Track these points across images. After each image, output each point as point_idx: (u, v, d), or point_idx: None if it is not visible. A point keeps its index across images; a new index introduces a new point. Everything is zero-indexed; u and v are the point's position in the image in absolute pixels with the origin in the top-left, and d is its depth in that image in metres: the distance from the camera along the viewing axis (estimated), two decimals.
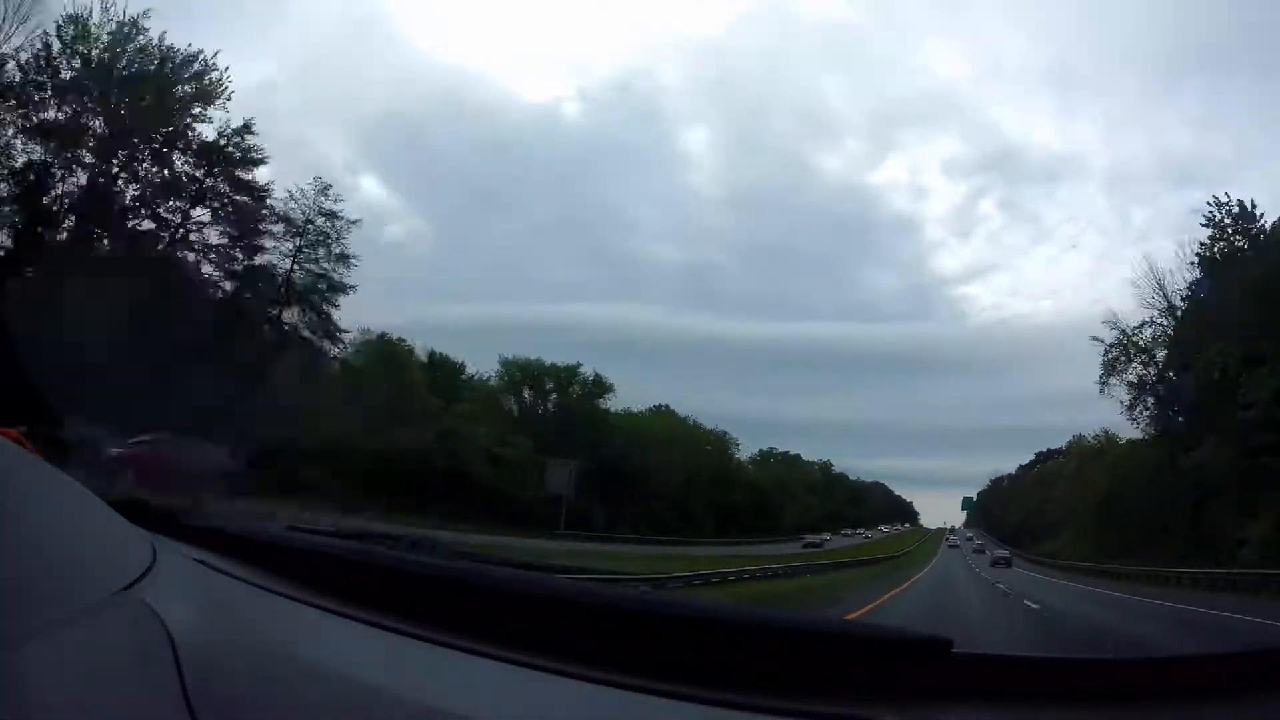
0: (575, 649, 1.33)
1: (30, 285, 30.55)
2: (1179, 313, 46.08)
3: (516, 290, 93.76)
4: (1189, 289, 45.62)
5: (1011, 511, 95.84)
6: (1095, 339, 48.75)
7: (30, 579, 1.09)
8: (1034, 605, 20.86)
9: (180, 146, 37.16)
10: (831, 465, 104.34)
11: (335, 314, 43.36)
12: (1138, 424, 49.33)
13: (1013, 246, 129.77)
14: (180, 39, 36.43)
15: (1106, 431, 59.14)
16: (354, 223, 43.35)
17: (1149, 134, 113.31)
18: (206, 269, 38.74)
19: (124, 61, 35.58)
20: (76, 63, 34.68)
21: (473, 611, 1.48)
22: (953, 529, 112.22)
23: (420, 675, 1.29)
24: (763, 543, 57.82)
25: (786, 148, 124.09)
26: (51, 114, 33.85)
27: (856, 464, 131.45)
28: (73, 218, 34.52)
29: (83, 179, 34.52)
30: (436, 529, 23.63)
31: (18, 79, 32.96)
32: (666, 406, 67.21)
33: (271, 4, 77.43)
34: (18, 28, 32.30)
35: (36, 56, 33.26)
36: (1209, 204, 45.55)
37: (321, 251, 42.09)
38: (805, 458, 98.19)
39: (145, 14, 35.22)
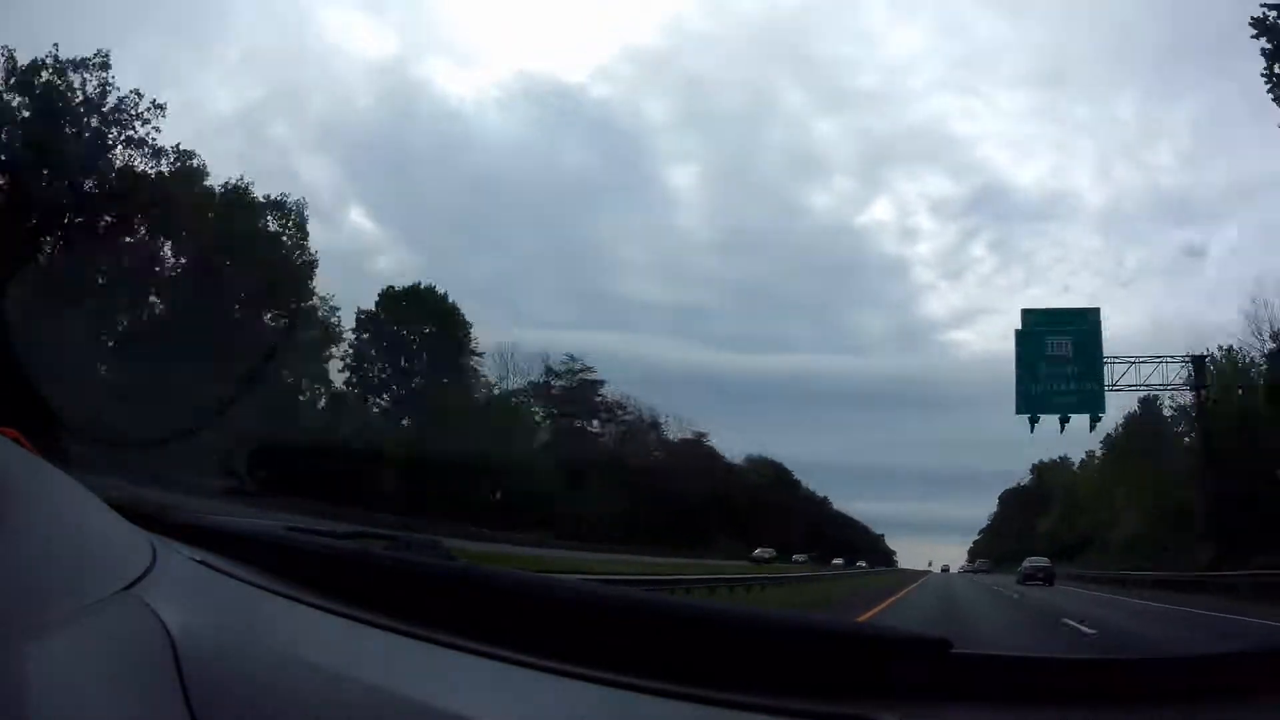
0: (575, 648, 1.33)
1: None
2: None
3: (504, 321, 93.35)
4: None
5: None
6: None
7: (30, 579, 1.09)
8: None
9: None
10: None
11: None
12: None
13: (1005, 288, 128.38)
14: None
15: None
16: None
17: (1142, 172, 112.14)
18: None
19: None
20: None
21: (473, 611, 1.48)
22: (944, 567, 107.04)
23: (420, 675, 1.29)
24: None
25: (775, 187, 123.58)
26: None
27: (866, 508, 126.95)
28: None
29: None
30: None
31: None
32: None
33: (253, 36, 77.88)
34: None
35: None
36: None
37: None
38: None
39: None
